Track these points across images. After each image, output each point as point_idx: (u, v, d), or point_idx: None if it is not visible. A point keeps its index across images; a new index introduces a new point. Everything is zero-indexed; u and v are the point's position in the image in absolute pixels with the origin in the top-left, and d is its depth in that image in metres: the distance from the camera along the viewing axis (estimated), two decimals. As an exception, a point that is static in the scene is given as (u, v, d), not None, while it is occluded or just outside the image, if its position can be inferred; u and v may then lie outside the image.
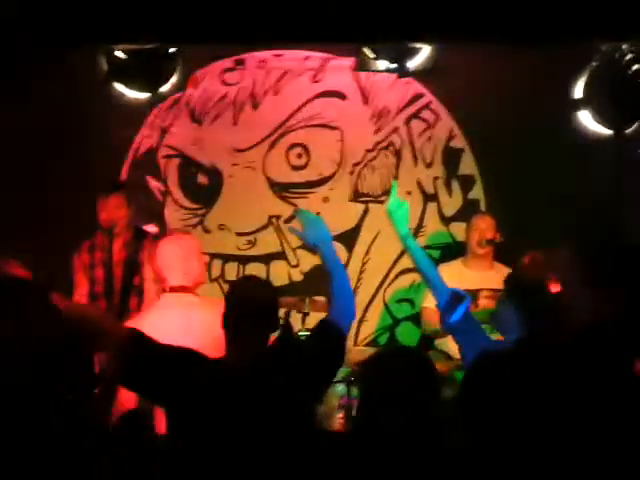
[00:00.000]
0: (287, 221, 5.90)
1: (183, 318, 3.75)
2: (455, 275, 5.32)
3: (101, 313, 4.05)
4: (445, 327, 3.33)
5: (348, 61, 5.90)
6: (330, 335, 3.17)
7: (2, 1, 4.67)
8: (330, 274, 3.32)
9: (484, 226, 5.29)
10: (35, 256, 3.81)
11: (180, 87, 5.82)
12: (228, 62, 5.93)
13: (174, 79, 5.73)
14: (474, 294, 4.98)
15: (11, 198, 5.53)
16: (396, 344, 5.79)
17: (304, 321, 4.97)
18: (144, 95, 5.77)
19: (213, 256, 5.95)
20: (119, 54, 5.47)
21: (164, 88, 5.75)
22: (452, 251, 5.78)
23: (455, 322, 3.27)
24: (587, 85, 5.69)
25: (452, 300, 3.31)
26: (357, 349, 5.62)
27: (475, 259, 5.35)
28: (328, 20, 4.64)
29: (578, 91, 5.75)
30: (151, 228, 5.69)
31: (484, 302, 5.07)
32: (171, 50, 5.57)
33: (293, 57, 5.92)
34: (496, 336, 4.25)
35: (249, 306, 3.10)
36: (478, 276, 5.29)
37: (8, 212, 5.43)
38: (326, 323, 3.21)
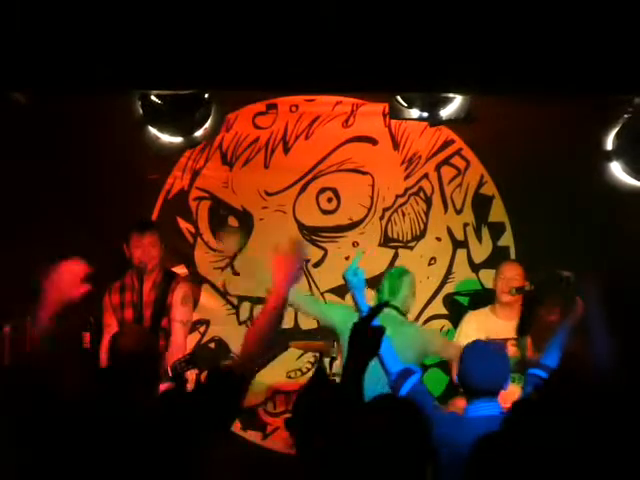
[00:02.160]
0: (316, 265, 5.92)
1: None
2: (483, 323, 5.33)
3: None
4: None
5: (379, 107, 5.95)
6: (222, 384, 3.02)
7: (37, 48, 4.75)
8: None
9: (511, 274, 5.26)
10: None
11: (214, 131, 5.86)
12: (260, 106, 5.97)
13: (208, 124, 5.77)
14: (501, 342, 4.94)
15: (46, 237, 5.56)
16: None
17: (332, 366, 4.96)
18: (178, 139, 5.82)
19: (242, 299, 5.97)
20: (154, 99, 5.53)
21: (198, 132, 5.79)
22: (481, 298, 5.76)
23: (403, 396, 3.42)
24: (618, 137, 5.67)
25: (400, 375, 3.49)
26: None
27: (503, 307, 5.32)
28: (361, 69, 4.67)
29: (609, 142, 5.74)
30: (180, 270, 5.73)
31: (512, 351, 5.03)
32: (205, 95, 5.62)
33: (325, 102, 5.96)
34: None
35: (122, 358, 3.22)
36: (506, 325, 5.26)
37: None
38: (219, 372, 3.08)
